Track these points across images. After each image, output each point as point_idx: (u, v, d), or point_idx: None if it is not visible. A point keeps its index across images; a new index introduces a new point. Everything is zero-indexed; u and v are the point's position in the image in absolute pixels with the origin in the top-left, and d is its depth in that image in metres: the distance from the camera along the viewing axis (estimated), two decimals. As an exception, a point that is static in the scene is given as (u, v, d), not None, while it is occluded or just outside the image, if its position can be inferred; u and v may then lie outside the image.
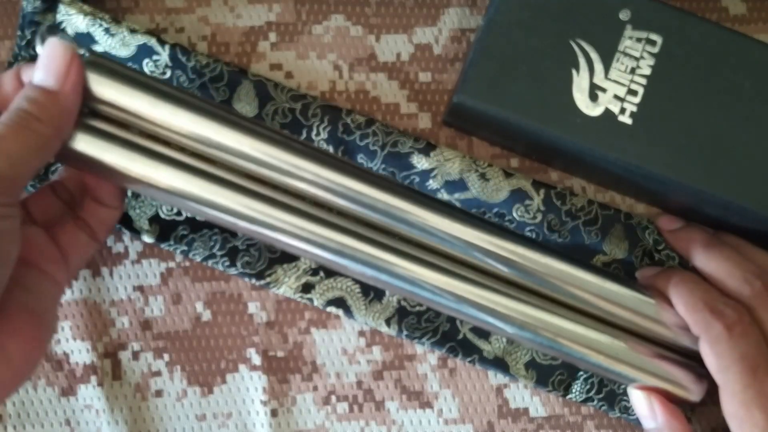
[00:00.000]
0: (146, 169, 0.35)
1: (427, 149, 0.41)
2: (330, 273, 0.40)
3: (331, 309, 0.40)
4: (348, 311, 0.40)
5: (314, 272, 0.40)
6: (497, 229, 0.38)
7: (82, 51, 0.34)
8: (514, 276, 0.38)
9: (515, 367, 0.41)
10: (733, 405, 0.36)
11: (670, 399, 0.39)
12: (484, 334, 0.41)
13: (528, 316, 0.37)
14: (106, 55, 0.35)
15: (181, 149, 0.36)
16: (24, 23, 0.39)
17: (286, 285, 0.40)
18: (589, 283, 0.38)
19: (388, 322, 0.40)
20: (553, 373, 0.41)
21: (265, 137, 0.36)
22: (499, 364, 0.41)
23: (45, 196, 0.37)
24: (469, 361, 0.41)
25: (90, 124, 0.35)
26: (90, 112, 0.35)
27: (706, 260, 0.39)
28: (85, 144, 0.35)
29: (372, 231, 0.37)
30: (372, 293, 0.41)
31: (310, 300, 0.40)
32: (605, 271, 0.40)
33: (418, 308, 0.41)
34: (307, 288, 0.40)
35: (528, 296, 0.38)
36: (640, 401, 0.39)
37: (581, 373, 0.41)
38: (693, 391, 0.39)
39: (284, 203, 0.36)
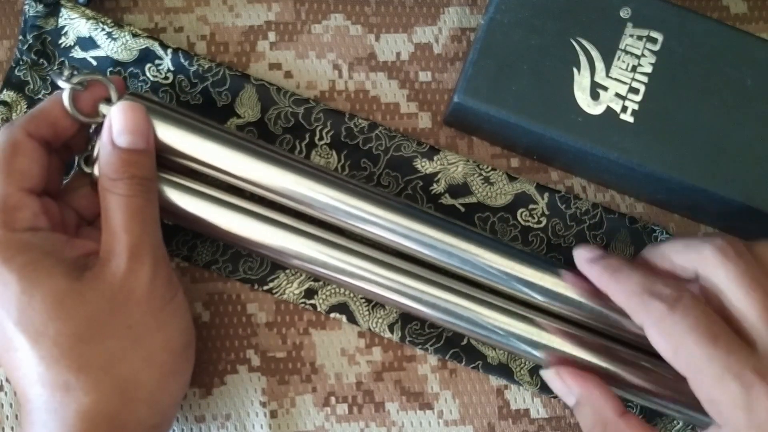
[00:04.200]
0: (227, 220, 0.37)
1: (431, 153, 0.41)
2: (332, 278, 0.40)
3: (334, 315, 0.40)
4: (351, 317, 0.40)
5: (317, 277, 0.40)
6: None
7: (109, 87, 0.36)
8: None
9: (519, 373, 0.41)
10: (703, 387, 0.31)
11: None
12: (487, 339, 0.41)
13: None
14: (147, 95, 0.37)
15: (233, 189, 0.38)
16: (26, 27, 0.39)
17: (289, 291, 0.40)
18: None
19: (391, 327, 0.40)
20: (557, 379, 0.41)
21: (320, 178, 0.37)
22: (504, 370, 0.41)
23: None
24: (473, 367, 0.40)
25: None
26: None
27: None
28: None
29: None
30: (375, 298, 0.40)
31: (313, 306, 0.40)
32: None
33: (421, 314, 0.40)
34: (309, 293, 0.40)
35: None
36: (552, 380, 0.37)
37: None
38: None
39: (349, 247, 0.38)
